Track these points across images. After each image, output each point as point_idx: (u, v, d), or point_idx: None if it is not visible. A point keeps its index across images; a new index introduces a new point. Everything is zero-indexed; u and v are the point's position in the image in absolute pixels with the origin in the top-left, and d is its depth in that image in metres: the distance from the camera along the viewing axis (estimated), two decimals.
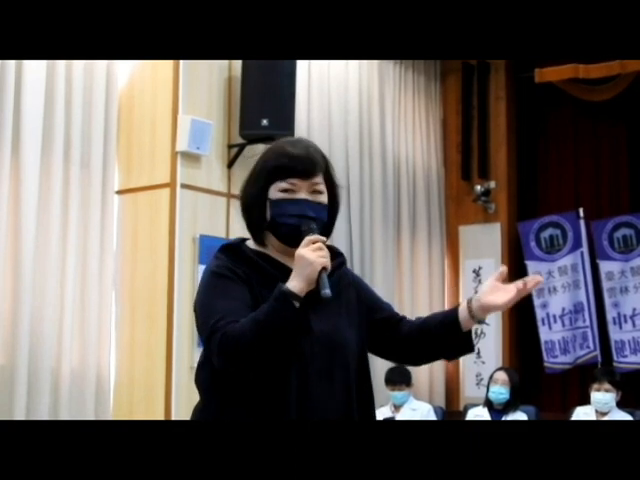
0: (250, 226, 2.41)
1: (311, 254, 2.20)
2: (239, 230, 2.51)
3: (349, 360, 2.35)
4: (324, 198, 2.38)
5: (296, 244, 2.25)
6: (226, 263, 2.34)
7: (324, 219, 2.37)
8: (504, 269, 2.41)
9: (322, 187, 2.38)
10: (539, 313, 7.77)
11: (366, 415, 2.38)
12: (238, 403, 2.25)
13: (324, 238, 2.27)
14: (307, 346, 2.26)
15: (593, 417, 5.89)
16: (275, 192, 2.35)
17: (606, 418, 5.85)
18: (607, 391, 5.88)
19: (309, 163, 2.35)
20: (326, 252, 2.23)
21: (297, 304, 2.17)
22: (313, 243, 2.23)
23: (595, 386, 5.92)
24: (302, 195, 2.34)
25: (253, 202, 2.38)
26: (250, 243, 2.43)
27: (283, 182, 2.34)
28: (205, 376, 2.34)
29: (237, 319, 2.20)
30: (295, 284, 2.19)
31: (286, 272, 2.25)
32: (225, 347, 2.19)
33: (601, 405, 5.88)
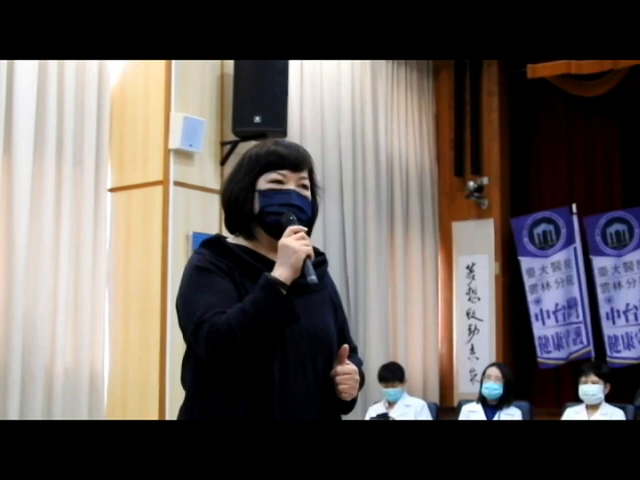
0: (237, 220, 2.40)
1: (295, 242, 2.23)
2: None
3: (332, 348, 2.37)
4: (309, 194, 2.41)
5: (281, 236, 2.27)
6: (208, 257, 2.34)
7: (309, 213, 2.40)
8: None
9: (308, 183, 2.41)
10: (532, 309, 7.78)
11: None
12: (222, 400, 2.25)
13: (305, 228, 2.29)
14: (289, 335, 2.26)
15: (584, 414, 5.91)
16: (264, 183, 2.37)
17: (597, 413, 5.87)
18: (594, 383, 5.90)
19: (300, 157, 2.39)
20: (309, 241, 2.26)
21: (284, 292, 2.19)
22: (295, 233, 2.25)
23: (582, 379, 5.96)
24: (291, 186, 2.37)
25: (242, 195, 2.38)
26: (230, 239, 2.42)
27: (273, 173, 2.36)
28: (190, 375, 2.34)
29: (223, 311, 2.20)
30: (281, 272, 2.21)
31: (269, 265, 2.27)
32: (214, 338, 2.18)
33: (589, 397, 5.90)
